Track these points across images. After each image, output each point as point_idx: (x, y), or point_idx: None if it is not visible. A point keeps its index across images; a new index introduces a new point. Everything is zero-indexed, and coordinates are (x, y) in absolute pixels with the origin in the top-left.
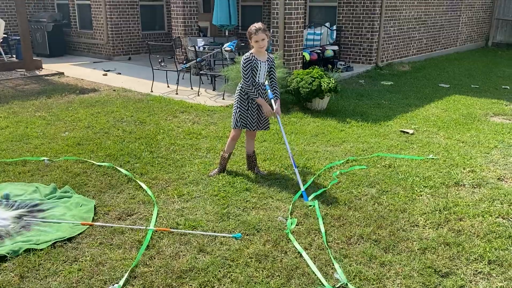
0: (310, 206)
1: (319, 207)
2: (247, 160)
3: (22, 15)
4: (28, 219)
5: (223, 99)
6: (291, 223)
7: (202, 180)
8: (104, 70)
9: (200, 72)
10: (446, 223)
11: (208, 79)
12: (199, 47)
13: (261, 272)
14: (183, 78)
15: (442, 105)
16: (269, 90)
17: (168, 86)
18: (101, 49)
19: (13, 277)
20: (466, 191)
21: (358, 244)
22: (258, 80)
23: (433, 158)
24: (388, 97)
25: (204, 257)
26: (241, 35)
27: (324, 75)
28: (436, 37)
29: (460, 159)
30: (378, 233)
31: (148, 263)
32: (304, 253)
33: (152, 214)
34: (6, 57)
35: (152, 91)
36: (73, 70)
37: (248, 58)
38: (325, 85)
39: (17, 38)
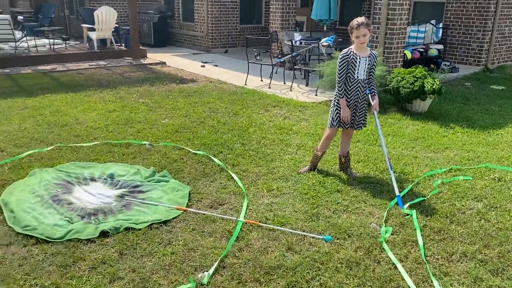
0: (407, 215)
1: (416, 217)
2: (340, 161)
3: (133, 7)
4: (129, 199)
5: (316, 95)
6: (386, 232)
7: (291, 177)
8: (202, 62)
9: (294, 66)
10: None
11: (301, 74)
12: (295, 42)
13: (351, 279)
14: (276, 72)
15: None
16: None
17: (262, 80)
18: (200, 41)
19: (113, 253)
20: None
21: (461, 263)
22: (357, 77)
23: None
24: (499, 103)
25: (293, 256)
26: (339, 30)
27: (427, 75)
28: None
29: None
30: (485, 253)
31: (237, 255)
32: (399, 265)
33: (242, 206)
34: (116, 45)
35: (246, 84)
36: (174, 61)
37: (345, 54)
38: (429, 86)
39: (127, 28)
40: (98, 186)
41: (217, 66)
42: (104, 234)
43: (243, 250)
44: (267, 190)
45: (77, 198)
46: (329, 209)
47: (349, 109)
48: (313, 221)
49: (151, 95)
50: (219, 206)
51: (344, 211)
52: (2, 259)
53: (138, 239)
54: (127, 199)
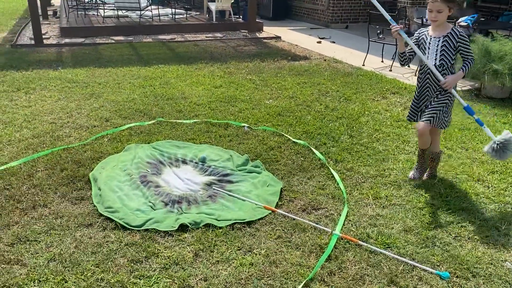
0: None
1: None
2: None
3: None
4: (216, 189)
5: None
6: None
7: (405, 184)
8: (319, 38)
9: None
10: None
11: None
12: (426, 20)
13: None
14: None
15: None
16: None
17: (382, 61)
18: (320, 15)
19: (188, 252)
20: None
21: None
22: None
23: None
24: None
25: None
26: (482, 8)
27: None
28: None
29: None
30: None
31: (326, 280)
32: None
33: (340, 215)
34: (234, 17)
35: (363, 65)
36: (289, 35)
37: (417, 32)
38: None
39: None
40: (188, 170)
41: (334, 42)
42: (183, 227)
43: (334, 275)
44: (373, 198)
45: (165, 181)
46: (450, 234)
47: (420, 98)
48: (426, 247)
49: (260, 71)
50: (313, 211)
51: (469, 238)
52: (79, 243)
53: (217, 239)
54: (214, 189)
